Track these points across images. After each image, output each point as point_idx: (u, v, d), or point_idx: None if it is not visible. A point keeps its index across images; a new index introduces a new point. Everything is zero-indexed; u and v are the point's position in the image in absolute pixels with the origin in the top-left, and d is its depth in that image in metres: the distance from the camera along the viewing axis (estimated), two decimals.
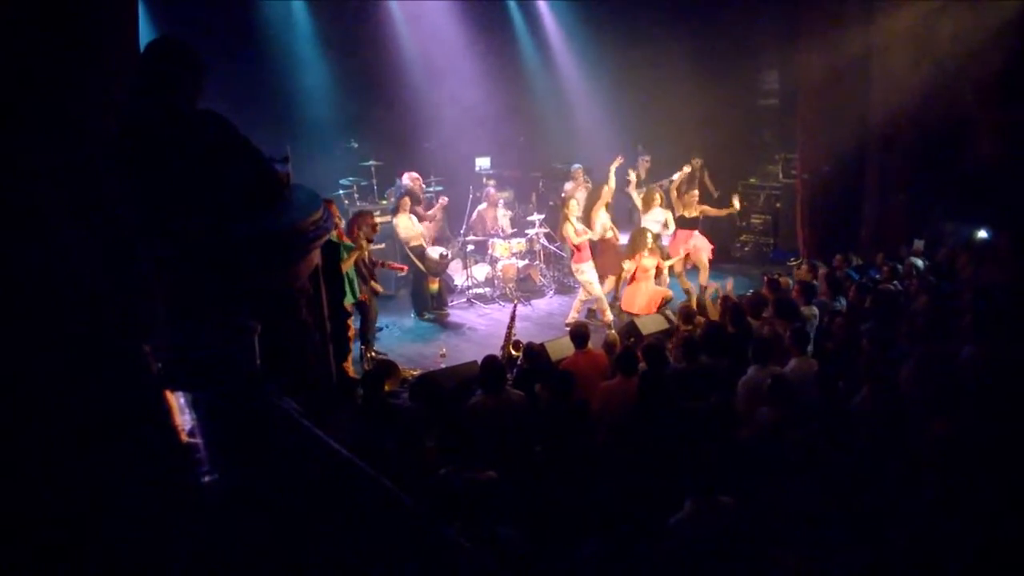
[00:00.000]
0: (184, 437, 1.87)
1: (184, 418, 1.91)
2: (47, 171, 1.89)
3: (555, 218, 12.53)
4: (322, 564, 1.78)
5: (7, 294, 1.72)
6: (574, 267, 10.09)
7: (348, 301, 7.89)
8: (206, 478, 1.78)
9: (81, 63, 2.41)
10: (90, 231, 2.01)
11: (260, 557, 1.72)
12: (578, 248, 9.89)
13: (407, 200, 10.52)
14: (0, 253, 1.73)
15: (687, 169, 11.90)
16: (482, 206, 11.88)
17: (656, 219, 10.51)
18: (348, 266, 7.89)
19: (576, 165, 12.66)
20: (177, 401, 1.93)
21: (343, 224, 8.28)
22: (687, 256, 10.67)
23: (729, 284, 9.09)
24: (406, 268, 10.12)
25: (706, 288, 10.36)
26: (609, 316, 9.81)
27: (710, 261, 10.83)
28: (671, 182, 11.51)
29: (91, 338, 1.87)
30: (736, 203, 10.99)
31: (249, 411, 1.97)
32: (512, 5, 14.80)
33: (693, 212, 10.72)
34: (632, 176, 11.36)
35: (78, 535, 1.61)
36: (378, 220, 10.84)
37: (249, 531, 1.75)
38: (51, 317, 1.81)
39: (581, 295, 10.26)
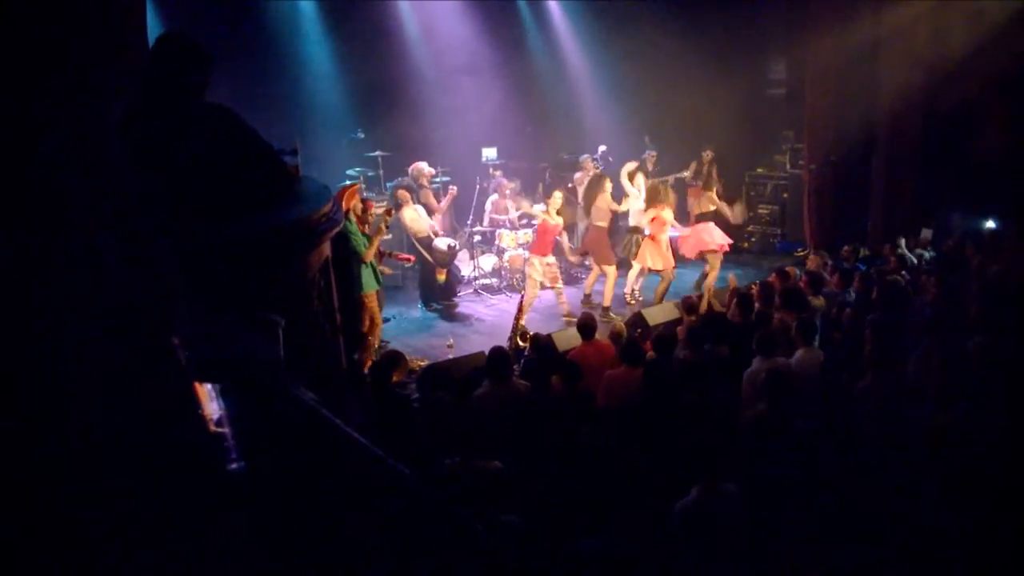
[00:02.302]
0: (212, 427, 1.92)
1: (212, 407, 1.95)
2: (67, 163, 1.92)
3: (563, 208, 12.57)
4: (345, 549, 1.82)
5: (33, 285, 1.75)
6: (526, 255, 9.89)
7: (372, 288, 7.93)
8: (234, 466, 1.83)
9: (93, 59, 2.43)
10: (113, 223, 2.04)
11: (286, 542, 1.76)
12: (539, 238, 9.77)
13: (405, 193, 10.48)
14: (25, 245, 1.76)
15: (694, 165, 12.08)
16: (494, 196, 11.89)
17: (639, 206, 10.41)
18: (371, 254, 7.89)
19: (584, 155, 12.66)
20: (206, 391, 1.97)
21: (358, 206, 8.11)
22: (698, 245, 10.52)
23: (732, 280, 9.01)
24: (414, 258, 10.15)
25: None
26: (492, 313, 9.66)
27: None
28: (679, 177, 11.68)
29: (118, 330, 1.90)
30: (738, 211, 10.90)
31: (275, 402, 2.00)
32: None
33: (711, 207, 10.57)
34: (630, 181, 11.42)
35: (106, 524, 1.65)
36: (383, 206, 10.95)
37: (275, 517, 1.80)
38: (78, 308, 1.84)
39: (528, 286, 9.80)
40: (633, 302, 10.53)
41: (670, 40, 13.37)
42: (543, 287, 9.92)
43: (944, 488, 4.17)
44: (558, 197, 9.91)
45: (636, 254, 10.19)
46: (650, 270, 10.30)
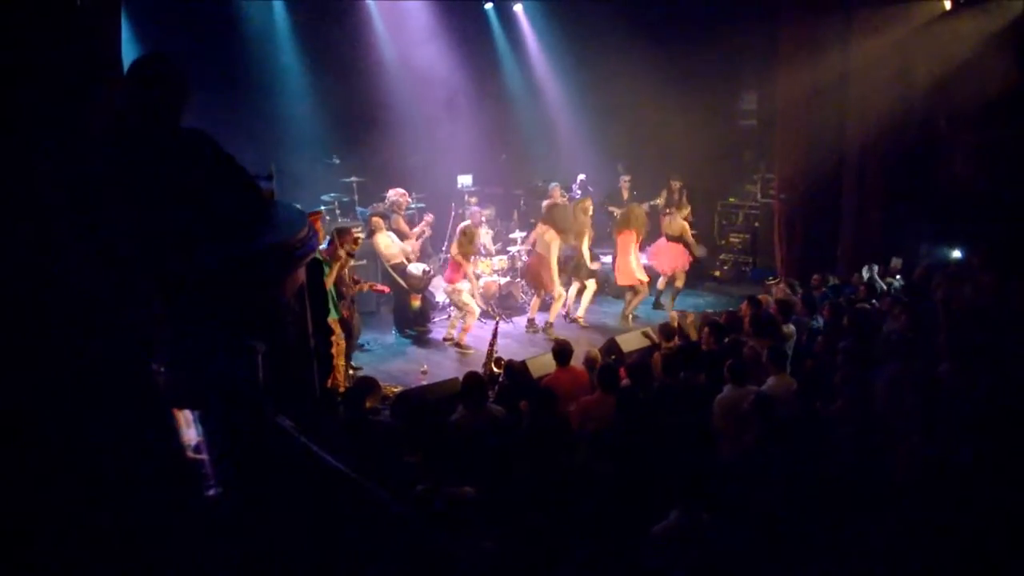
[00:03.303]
0: (190, 453, 1.90)
1: (190, 433, 1.94)
2: (51, 183, 1.91)
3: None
4: (324, 574, 1.81)
5: (14, 309, 1.73)
6: (448, 287, 9.90)
7: (332, 317, 7.91)
8: (211, 492, 1.81)
9: (70, 75, 2.42)
10: (95, 246, 2.02)
11: (265, 568, 1.75)
12: (454, 267, 9.82)
13: (379, 220, 10.50)
14: (8, 268, 1.74)
15: (665, 194, 12.44)
16: (466, 223, 11.90)
17: None
18: (331, 282, 7.88)
19: (553, 183, 12.76)
20: (184, 417, 1.96)
21: (324, 240, 8.22)
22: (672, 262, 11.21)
23: (690, 316, 9.20)
24: (388, 289, 10.14)
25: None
26: (467, 339, 9.81)
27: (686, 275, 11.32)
28: (653, 204, 12.02)
29: (96, 354, 1.88)
30: (699, 250, 11.54)
31: (254, 429, 1.99)
32: (495, 24, 14.92)
33: (678, 232, 11.19)
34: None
35: (83, 549, 1.62)
36: (359, 235, 10.93)
37: (254, 542, 1.78)
38: (57, 331, 1.82)
39: (467, 314, 9.90)
40: (575, 320, 10.87)
41: (644, 70, 13.55)
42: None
43: (918, 513, 4.21)
44: (470, 233, 10.04)
45: (576, 275, 10.61)
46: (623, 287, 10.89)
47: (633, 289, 10.83)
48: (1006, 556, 3.86)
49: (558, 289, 10.33)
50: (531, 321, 10.63)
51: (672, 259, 11.19)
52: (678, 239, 11.20)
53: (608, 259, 11.88)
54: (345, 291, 8.44)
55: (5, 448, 1.63)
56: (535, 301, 10.69)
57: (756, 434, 5.02)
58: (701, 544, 3.96)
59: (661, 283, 11.53)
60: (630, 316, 10.93)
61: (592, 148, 14.60)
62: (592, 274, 10.73)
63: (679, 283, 11.33)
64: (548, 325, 10.34)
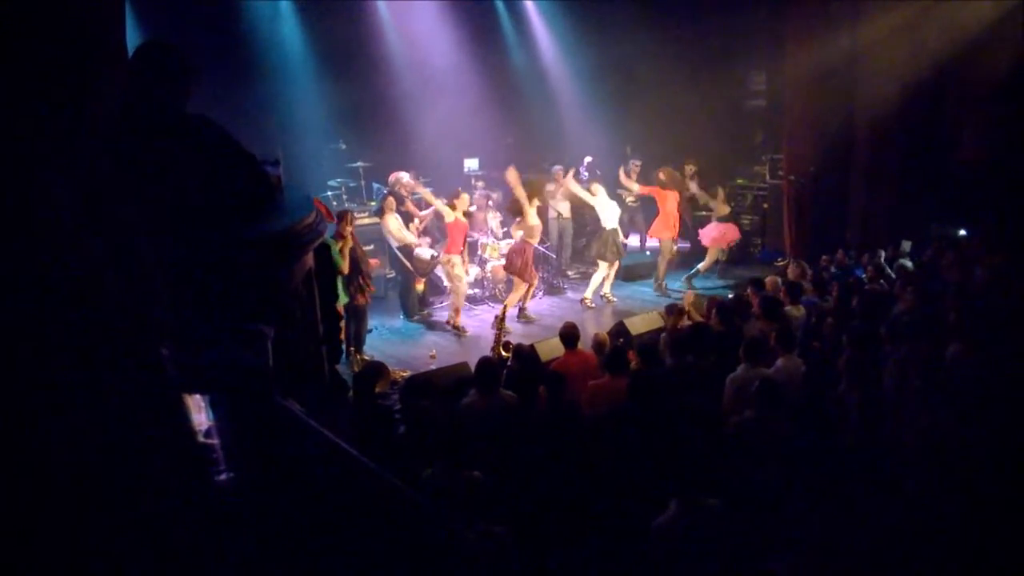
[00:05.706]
0: (200, 438, 1.91)
1: (200, 418, 1.95)
2: (56, 171, 1.90)
3: (542, 219, 12.60)
4: (335, 559, 1.82)
5: (20, 294, 1.74)
6: (444, 258, 10.04)
7: (342, 302, 7.94)
8: (222, 476, 1.82)
9: (75, 64, 2.41)
10: (101, 232, 2.02)
11: (275, 552, 1.76)
12: (451, 237, 9.92)
13: (391, 200, 10.48)
14: (14, 252, 1.74)
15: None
16: (472, 208, 11.88)
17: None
18: (347, 266, 7.99)
19: (557, 167, 12.71)
20: (194, 402, 1.97)
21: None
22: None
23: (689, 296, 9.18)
24: (378, 261, 10.19)
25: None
26: (460, 320, 9.98)
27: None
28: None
29: (105, 339, 1.89)
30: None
31: (264, 413, 2.00)
32: (501, 6, 14.85)
33: (727, 210, 12.05)
34: (626, 177, 12.11)
35: (93, 535, 1.63)
36: (365, 221, 10.93)
37: (264, 527, 1.79)
38: (66, 318, 1.83)
39: (454, 292, 10.13)
40: (614, 300, 11.22)
41: (652, 51, 13.47)
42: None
43: (924, 495, 4.20)
44: (466, 198, 10.15)
45: (611, 253, 10.80)
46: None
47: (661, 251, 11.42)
48: (1011, 543, 3.86)
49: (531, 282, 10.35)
50: (522, 310, 10.52)
51: (716, 236, 11.68)
52: (729, 219, 11.90)
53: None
54: (363, 280, 8.51)
55: (14, 435, 1.64)
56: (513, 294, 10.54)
57: (756, 418, 4.99)
58: (704, 532, 3.91)
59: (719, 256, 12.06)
60: (663, 284, 11.53)
61: (600, 131, 14.53)
62: (616, 256, 10.87)
63: (710, 257, 11.82)
64: (521, 311, 10.34)
